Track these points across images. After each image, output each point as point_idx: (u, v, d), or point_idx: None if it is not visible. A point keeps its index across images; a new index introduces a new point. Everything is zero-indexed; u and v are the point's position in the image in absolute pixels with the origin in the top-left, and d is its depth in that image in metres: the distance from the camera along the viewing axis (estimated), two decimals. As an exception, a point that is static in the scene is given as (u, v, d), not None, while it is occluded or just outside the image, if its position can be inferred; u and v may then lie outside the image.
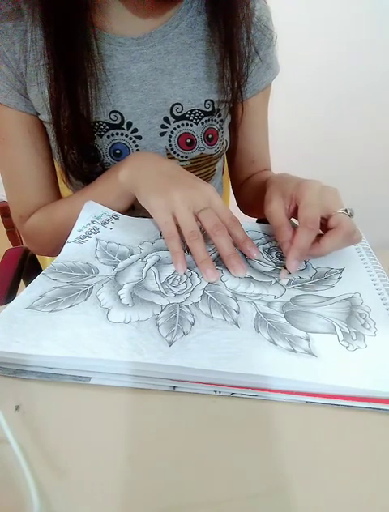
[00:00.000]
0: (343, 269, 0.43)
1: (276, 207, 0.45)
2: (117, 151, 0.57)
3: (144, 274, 0.42)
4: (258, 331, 0.34)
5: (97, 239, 0.47)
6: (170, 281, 0.41)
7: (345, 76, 1.43)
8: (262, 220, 0.56)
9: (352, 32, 1.35)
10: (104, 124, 0.55)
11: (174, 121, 0.57)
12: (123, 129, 0.56)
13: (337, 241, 0.42)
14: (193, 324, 0.35)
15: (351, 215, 0.44)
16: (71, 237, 0.47)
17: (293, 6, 1.25)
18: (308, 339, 0.34)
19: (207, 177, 0.64)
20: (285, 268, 0.42)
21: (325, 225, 0.43)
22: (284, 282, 0.41)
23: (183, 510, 0.24)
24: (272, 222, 0.46)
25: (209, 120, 0.58)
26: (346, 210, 0.43)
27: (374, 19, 1.33)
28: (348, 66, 1.42)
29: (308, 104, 1.47)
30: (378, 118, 1.51)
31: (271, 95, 0.66)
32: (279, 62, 0.63)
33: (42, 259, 0.79)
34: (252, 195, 0.66)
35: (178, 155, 0.59)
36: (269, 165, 0.71)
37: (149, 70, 0.55)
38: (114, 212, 0.51)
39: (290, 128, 1.41)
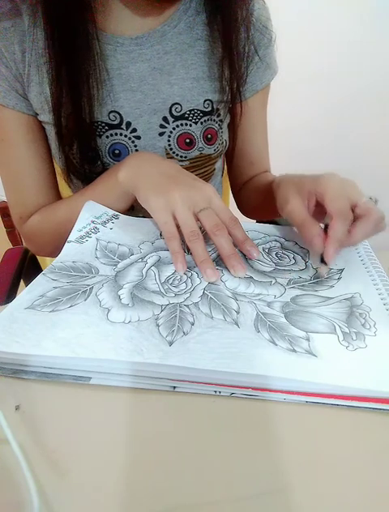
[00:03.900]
0: (343, 269, 0.43)
1: (296, 205, 0.44)
2: (116, 152, 0.57)
3: (144, 274, 0.42)
4: (258, 331, 0.34)
5: (97, 239, 0.47)
6: (170, 281, 0.41)
7: (345, 76, 1.43)
8: (263, 220, 0.57)
9: (352, 32, 1.35)
10: (104, 124, 0.55)
11: (173, 121, 0.57)
12: (122, 129, 0.56)
13: (368, 229, 0.41)
14: (193, 324, 0.35)
15: (376, 203, 0.43)
16: (71, 237, 0.47)
17: (293, 7, 1.25)
18: (308, 339, 0.34)
19: (206, 177, 0.64)
20: (323, 263, 0.41)
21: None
22: (284, 282, 0.41)
23: (183, 510, 0.24)
24: (294, 220, 0.44)
25: (208, 120, 0.58)
26: (370, 198, 0.43)
27: (373, 19, 1.33)
28: (347, 67, 1.42)
29: (307, 105, 1.47)
30: (377, 118, 1.51)
31: (271, 95, 0.66)
32: (278, 62, 0.63)
33: (42, 259, 0.78)
34: (255, 198, 0.66)
35: (177, 155, 0.59)
36: (268, 167, 0.70)
37: (148, 70, 0.55)
38: (114, 212, 0.51)
39: (290, 129, 1.41)
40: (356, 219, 0.42)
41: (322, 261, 0.42)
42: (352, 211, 0.42)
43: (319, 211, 0.44)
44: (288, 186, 0.47)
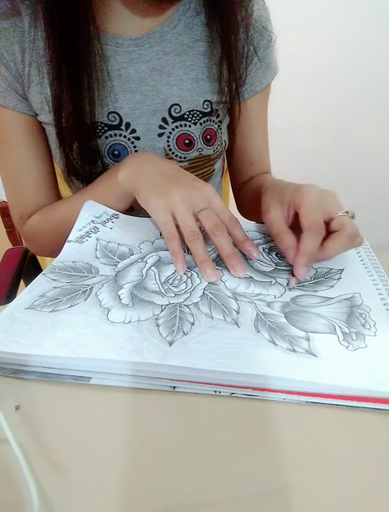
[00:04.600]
0: (343, 269, 0.43)
1: (275, 215, 0.44)
2: (116, 152, 0.57)
3: (144, 274, 0.42)
4: (258, 331, 0.34)
5: (97, 239, 0.47)
6: (170, 281, 0.41)
7: (345, 76, 1.43)
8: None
9: (352, 32, 1.35)
10: (103, 125, 0.55)
11: (173, 122, 0.57)
12: (121, 130, 0.56)
13: (341, 244, 0.41)
14: (193, 324, 0.35)
15: (352, 217, 0.43)
16: (71, 237, 0.47)
17: (293, 7, 1.25)
18: (308, 339, 0.34)
19: (205, 178, 0.64)
20: (293, 276, 0.41)
21: (326, 229, 0.42)
22: (284, 282, 0.41)
23: (183, 510, 0.24)
24: (272, 230, 0.45)
25: (207, 120, 0.58)
26: (347, 212, 0.43)
27: (373, 19, 1.33)
28: (347, 67, 1.42)
29: (307, 105, 1.47)
30: (378, 118, 1.51)
31: (271, 95, 0.65)
32: (278, 63, 0.63)
33: (42, 259, 0.79)
34: (249, 199, 0.66)
35: (177, 155, 0.59)
36: (268, 168, 0.70)
37: (147, 71, 0.55)
38: (114, 212, 0.51)
39: (290, 129, 1.41)
40: (330, 232, 0.42)
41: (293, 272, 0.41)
42: (328, 224, 0.42)
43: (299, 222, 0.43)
44: (272, 194, 0.47)
